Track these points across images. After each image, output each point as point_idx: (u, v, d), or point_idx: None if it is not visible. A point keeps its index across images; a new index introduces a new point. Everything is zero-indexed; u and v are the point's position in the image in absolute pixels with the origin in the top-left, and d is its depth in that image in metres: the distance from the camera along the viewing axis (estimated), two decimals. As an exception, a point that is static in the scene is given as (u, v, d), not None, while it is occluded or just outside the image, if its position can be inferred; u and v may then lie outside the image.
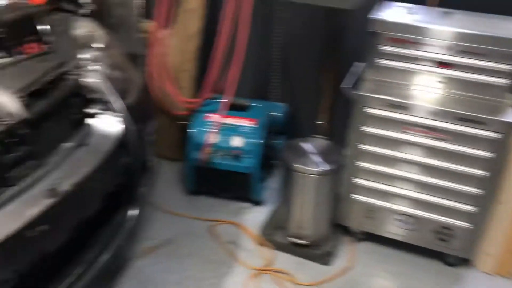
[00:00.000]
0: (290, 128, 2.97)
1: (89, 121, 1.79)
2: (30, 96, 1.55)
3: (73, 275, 1.63)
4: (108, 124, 1.80)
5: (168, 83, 2.86)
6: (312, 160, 2.31)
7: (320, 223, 2.42)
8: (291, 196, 2.36)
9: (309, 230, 2.41)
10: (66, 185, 1.51)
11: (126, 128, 1.82)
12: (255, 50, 2.80)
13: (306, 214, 2.38)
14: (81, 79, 1.80)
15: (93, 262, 1.71)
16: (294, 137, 2.54)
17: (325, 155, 2.35)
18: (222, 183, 2.72)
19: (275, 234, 2.51)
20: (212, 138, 2.62)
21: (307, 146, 2.39)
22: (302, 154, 2.35)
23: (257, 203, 2.76)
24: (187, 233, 2.57)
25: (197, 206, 2.75)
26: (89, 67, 1.89)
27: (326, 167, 2.29)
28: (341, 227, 2.53)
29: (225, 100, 2.70)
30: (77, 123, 1.76)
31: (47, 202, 1.44)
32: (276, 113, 2.86)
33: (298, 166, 2.28)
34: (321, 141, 2.46)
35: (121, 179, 1.82)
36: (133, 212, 1.92)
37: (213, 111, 2.72)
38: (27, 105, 1.51)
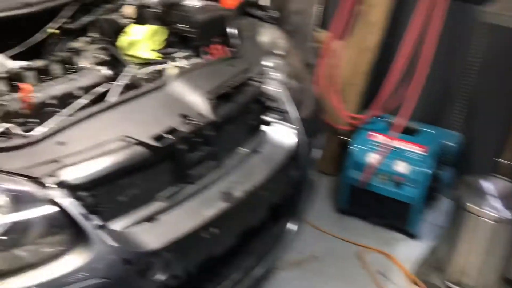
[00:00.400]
0: (463, 161, 2.68)
1: (264, 128, 1.79)
2: (218, 98, 1.58)
3: (230, 279, 1.63)
4: (282, 134, 1.78)
5: (333, 95, 2.78)
6: (490, 203, 2.05)
7: (487, 273, 2.14)
8: (457, 238, 2.13)
9: (473, 279, 2.14)
10: (239, 191, 1.51)
11: (299, 141, 1.78)
12: (436, 70, 2.58)
13: (473, 261, 2.11)
14: (263, 86, 1.81)
15: (249, 270, 1.70)
16: (466, 171, 2.29)
17: (507, 199, 2.06)
18: (377, 207, 2.56)
19: (431, 275, 2.28)
20: (377, 160, 2.48)
21: (487, 185, 2.13)
22: (479, 194, 2.09)
23: (412, 236, 2.55)
24: (333, 253, 2.47)
25: (346, 227, 2.64)
26: (271, 75, 1.89)
27: (507, 214, 2.00)
28: (511, 283, 2.21)
29: (397, 121, 2.53)
30: (253, 130, 1.76)
31: (221, 206, 1.46)
32: (449, 142, 2.61)
33: (472, 206, 2.04)
34: (504, 183, 2.17)
35: (287, 192, 1.78)
36: (292, 226, 1.88)
37: (378, 131, 2.58)
38: (214, 108, 1.54)
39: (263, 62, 1.91)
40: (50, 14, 1.80)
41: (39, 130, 1.44)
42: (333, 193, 2.83)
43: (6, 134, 1.42)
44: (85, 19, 1.91)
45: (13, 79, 1.58)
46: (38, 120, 1.52)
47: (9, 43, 1.69)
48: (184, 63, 1.89)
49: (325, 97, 2.78)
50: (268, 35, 2.10)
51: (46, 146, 1.28)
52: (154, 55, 1.94)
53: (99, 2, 1.98)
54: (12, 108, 1.49)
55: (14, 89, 1.55)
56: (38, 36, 1.76)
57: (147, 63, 1.92)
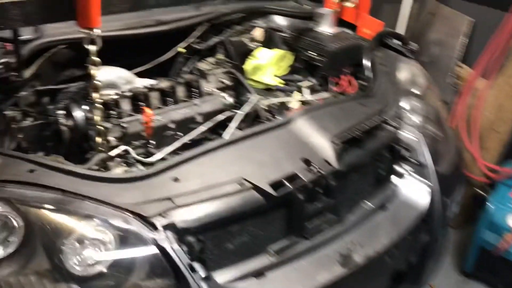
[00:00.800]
0: None
1: (395, 181, 1.56)
2: (345, 143, 1.40)
3: None
4: (415, 190, 1.53)
5: (470, 141, 2.45)
6: None
7: None
8: None
9: None
10: (360, 255, 1.31)
11: (434, 200, 1.53)
12: None
13: None
14: (398, 132, 1.58)
15: None
16: None
17: None
18: (510, 278, 2.18)
19: None
20: (521, 225, 2.11)
21: None
22: None
23: (552, 320, 2.13)
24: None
25: (469, 293, 2.29)
26: (407, 118, 1.66)
27: None
28: None
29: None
30: (382, 181, 1.54)
31: (338, 270, 1.27)
32: None
33: None
34: None
35: (413, 258, 1.54)
36: (413, 297, 1.63)
37: (524, 189, 2.20)
38: (340, 154, 1.36)
39: (399, 103, 1.69)
40: (181, 33, 1.76)
41: (157, 156, 1.39)
42: (459, 251, 2.47)
43: (124, 157, 1.38)
44: (214, 39, 1.85)
45: (137, 99, 1.55)
46: (155, 142, 1.48)
47: (136, 60, 1.67)
48: (309, 94, 1.75)
49: (460, 140, 2.46)
50: (406, 71, 1.87)
51: (161, 180, 1.20)
52: (276, 81, 1.82)
53: (230, 23, 1.91)
54: (131, 130, 1.45)
55: (136, 108, 1.52)
56: (167, 55, 1.72)
57: (268, 89, 1.81)
